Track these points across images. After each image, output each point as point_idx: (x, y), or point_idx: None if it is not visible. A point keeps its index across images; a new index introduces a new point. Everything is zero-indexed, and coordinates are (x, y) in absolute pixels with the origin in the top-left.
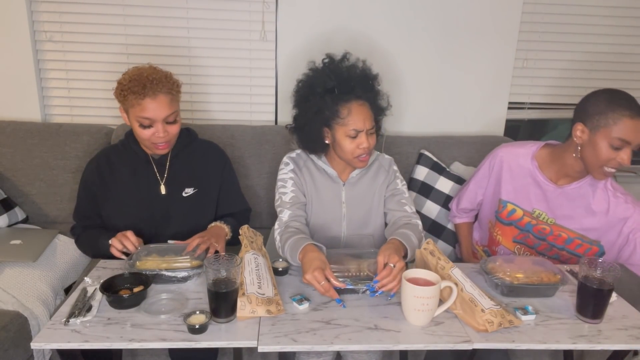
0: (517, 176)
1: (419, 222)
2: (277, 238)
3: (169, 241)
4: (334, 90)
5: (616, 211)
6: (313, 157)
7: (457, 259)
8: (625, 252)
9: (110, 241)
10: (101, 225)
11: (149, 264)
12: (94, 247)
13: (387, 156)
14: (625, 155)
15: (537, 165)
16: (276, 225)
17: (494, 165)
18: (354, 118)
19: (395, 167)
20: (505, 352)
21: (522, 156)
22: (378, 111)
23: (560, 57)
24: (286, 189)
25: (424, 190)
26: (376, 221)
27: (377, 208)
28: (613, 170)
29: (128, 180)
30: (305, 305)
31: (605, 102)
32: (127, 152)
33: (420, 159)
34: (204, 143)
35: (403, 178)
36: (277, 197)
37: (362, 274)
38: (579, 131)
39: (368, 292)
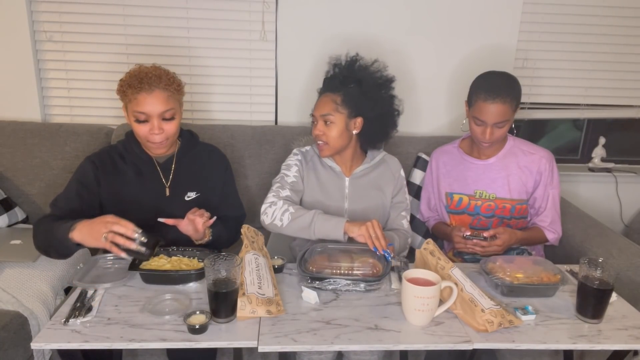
0: (451, 167)
1: (409, 238)
2: (280, 203)
3: (159, 219)
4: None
5: (532, 167)
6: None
7: (455, 253)
8: (540, 205)
9: (106, 236)
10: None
11: (154, 263)
12: (50, 232)
13: (395, 159)
14: (486, 132)
15: (463, 151)
16: (272, 195)
17: (432, 167)
18: (315, 105)
19: (402, 174)
20: (493, 352)
21: (449, 148)
22: (362, 106)
23: (560, 57)
24: (290, 172)
25: (420, 194)
26: (377, 217)
27: (379, 208)
28: (485, 144)
29: (134, 182)
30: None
31: (474, 84)
32: (130, 154)
33: (418, 162)
34: (206, 146)
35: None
36: (279, 175)
37: (351, 272)
38: (465, 107)
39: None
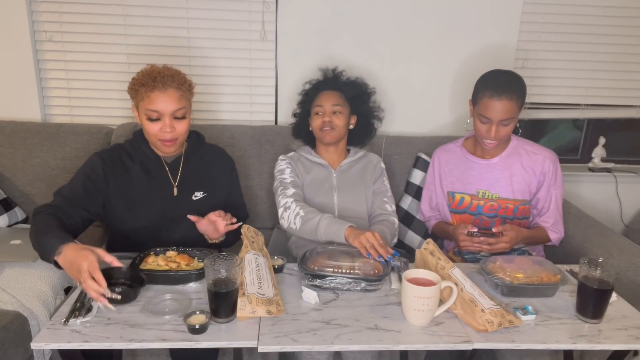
0: (453, 166)
1: (396, 220)
2: (293, 206)
3: (188, 216)
4: (314, 86)
5: (536, 167)
6: (304, 154)
7: (456, 252)
8: (543, 206)
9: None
10: (69, 221)
11: (154, 264)
12: (40, 236)
13: (375, 155)
14: (491, 130)
15: (467, 150)
16: (281, 198)
17: (434, 165)
18: (320, 99)
19: (382, 165)
20: (493, 352)
21: (452, 147)
22: (358, 107)
23: (560, 57)
24: (285, 174)
25: (420, 194)
26: (363, 208)
27: (364, 197)
28: (490, 142)
29: (142, 180)
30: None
31: (479, 81)
32: (138, 153)
33: (417, 163)
34: (212, 147)
35: (397, 178)
36: (276, 183)
37: (353, 271)
38: (469, 107)
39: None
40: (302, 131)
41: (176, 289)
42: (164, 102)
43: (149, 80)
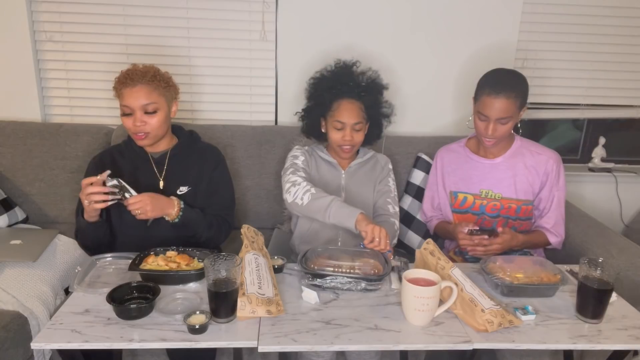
0: (456, 165)
1: (396, 222)
2: (304, 184)
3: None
4: (332, 89)
5: (539, 167)
6: (317, 151)
7: (457, 252)
8: (544, 207)
9: (87, 202)
10: (105, 230)
11: (154, 264)
12: (81, 229)
13: (384, 156)
14: (489, 128)
15: (470, 150)
16: (291, 175)
17: (437, 165)
18: (341, 112)
19: (390, 166)
20: (493, 352)
21: (455, 147)
22: (373, 113)
23: (560, 57)
24: (298, 160)
25: (420, 195)
26: (369, 209)
27: (371, 198)
28: (488, 140)
29: (130, 176)
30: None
31: (481, 79)
32: (129, 151)
33: (417, 163)
34: (205, 145)
35: (397, 178)
36: (287, 164)
37: (353, 271)
38: (473, 104)
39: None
40: (315, 130)
41: (185, 288)
42: (133, 97)
43: (123, 78)
